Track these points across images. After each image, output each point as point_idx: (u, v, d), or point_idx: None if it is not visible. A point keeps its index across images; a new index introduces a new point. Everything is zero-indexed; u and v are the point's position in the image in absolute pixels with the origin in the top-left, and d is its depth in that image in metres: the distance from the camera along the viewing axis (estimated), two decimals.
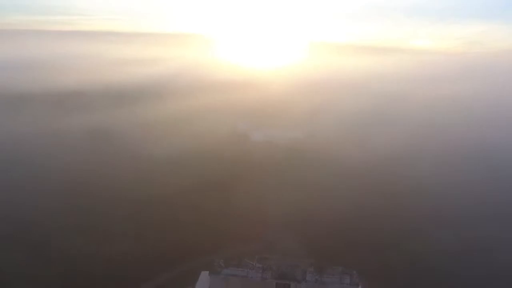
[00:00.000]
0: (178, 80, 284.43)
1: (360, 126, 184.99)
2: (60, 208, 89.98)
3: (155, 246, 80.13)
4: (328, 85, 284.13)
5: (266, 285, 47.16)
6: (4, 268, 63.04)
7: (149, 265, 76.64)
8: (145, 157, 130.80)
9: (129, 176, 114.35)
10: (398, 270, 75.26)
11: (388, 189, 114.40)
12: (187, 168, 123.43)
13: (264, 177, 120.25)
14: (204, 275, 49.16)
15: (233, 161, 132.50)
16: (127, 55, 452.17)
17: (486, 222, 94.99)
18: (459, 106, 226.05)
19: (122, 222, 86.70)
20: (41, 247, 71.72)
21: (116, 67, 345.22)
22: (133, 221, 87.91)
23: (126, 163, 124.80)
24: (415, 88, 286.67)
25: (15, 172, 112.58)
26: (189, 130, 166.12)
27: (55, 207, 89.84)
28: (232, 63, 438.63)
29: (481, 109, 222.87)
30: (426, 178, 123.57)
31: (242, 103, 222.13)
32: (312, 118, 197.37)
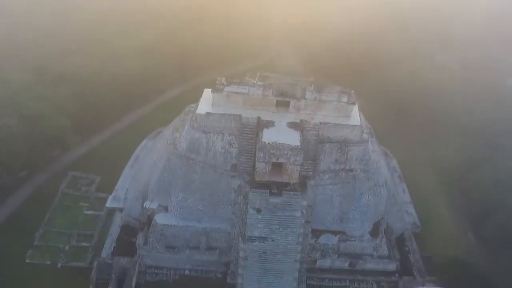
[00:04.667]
0: None
1: None
2: (56, 30, 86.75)
3: (158, 65, 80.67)
4: None
5: (266, 102, 49.21)
6: (9, 88, 64.60)
7: (154, 83, 78.98)
8: None
9: None
10: (394, 90, 77.40)
11: (395, 7, 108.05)
12: None
13: None
14: (207, 93, 50.94)
15: None
16: None
17: (493, 46, 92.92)
18: None
19: (124, 39, 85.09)
20: (44, 69, 72.00)
21: None
22: (134, 39, 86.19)
23: None
24: None
25: None
26: None
27: (51, 30, 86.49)
28: None
29: None
30: None
31: None
32: None
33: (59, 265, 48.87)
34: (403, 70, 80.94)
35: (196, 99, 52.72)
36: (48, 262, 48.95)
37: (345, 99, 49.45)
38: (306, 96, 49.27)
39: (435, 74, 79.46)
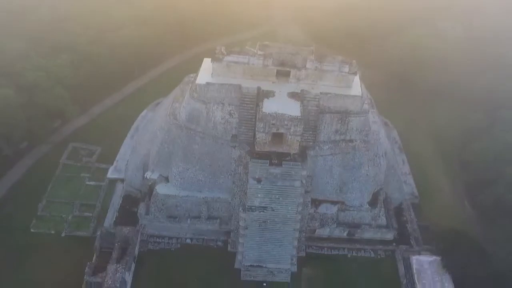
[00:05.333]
0: None
1: None
2: None
3: (157, 34, 78.98)
4: None
5: (266, 71, 48.58)
6: (5, 58, 63.42)
7: (153, 52, 77.64)
8: None
9: None
10: (395, 59, 76.13)
11: None
12: None
13: None
14: (207, 62, 50.25)
15: None
16: None
17: (498, 15, 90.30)
18: None
19: (121, 7, 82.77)
20: (40, 37, 70.49)
21: None
22: (132, 7, 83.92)
23: None
24: None
25: None
26: None
27: None
28: None
29: None
30: None
31: None
32: None
33: (63, 235, 49.69)
34: (405, 39, 79.26)
35: (195, 68, 52.09)
36: (53, 232, 49.76)
37: (346, 69, 48.87)
38: (307, 66, 48.67)
39: (438, 44, 77.89)
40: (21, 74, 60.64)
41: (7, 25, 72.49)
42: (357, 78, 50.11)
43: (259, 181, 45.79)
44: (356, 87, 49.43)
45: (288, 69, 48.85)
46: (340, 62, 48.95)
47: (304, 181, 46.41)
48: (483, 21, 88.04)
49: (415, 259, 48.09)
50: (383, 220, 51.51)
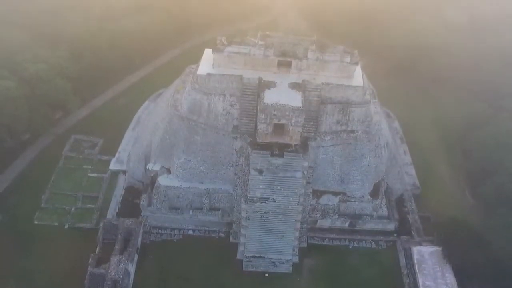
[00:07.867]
0: None
1: None
2: None
3: (157, 23, 78.38)
4: None
5: (268, 62, 48.29)
6: (4, 49, 63.09)
7: (154, 42, 77.15)
8: None
9: None
10: (398, 48, 75.39)
11: None
12: None
13: None
14: (208, 53, 49.97)
15: None
16: None
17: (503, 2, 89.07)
18: None
19: (121, 1, 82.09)
20: (39, 28, 70.03)
21: None
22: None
23: None
24: None
25: None
26: None
27: None
28: None
29: None
30: None
31: None
32: None
33: (66, 226, 50.05)
34: (409, 28, 78.50)
35: (196, 59, 51.86)
36: (56, 224, 50.11)
37: (348, 59, 48.51)
38: (308, 56, 48.35)
39: (442, 32, 77.12)
40: (22, 66, 60.41)
41: (6, 15, 71.99)
42: (358, 68, 49.78)
43: (260, 172, 45.84)
44: (358, 77, 49.13)
45: (289, 59, 48.57)
46: (341, 52, 48.56)
47: (305, 172, 46.42)
48: (489, 10, 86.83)
49: (416, 250, 48.21)
50: (384, 211, 51.59)
